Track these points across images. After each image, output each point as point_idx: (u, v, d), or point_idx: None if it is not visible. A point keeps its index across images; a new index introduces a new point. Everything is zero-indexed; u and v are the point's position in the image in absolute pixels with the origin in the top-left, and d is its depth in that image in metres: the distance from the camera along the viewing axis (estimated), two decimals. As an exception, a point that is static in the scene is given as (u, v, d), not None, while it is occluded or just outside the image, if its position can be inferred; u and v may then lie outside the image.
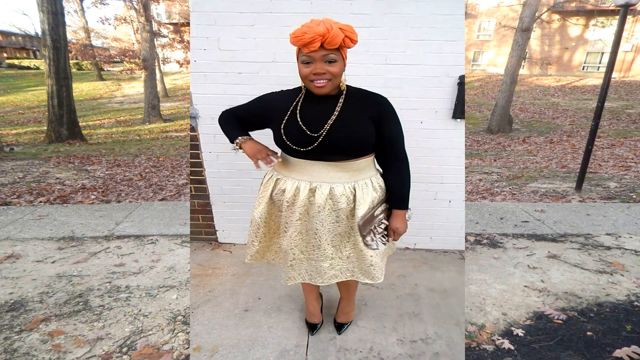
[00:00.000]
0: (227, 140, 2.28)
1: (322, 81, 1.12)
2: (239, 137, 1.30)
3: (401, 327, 1.78)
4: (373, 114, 1.21)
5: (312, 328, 1.74)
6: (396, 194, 1.31)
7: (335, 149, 1.20)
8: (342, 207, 1.26)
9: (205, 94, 2.15)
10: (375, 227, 1.31)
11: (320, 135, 1.17)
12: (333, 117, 1.18)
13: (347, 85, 1.24)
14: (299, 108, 1.23)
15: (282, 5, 1.92)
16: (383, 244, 1.34)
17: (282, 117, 1.23)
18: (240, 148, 1.29)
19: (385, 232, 1.35)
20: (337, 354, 1.61)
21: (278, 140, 1.25)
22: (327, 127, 1.17)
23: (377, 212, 1.30)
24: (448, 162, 2.27)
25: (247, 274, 2.24)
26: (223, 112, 1.40)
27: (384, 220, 1.33)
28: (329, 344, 1.67)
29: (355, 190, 1.26)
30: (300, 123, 1.20)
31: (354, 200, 1.27)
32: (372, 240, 1.31)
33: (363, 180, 1.28)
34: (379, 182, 1.32)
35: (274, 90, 1.34)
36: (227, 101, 2.16)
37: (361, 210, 1.26)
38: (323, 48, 1.07)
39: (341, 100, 1.21)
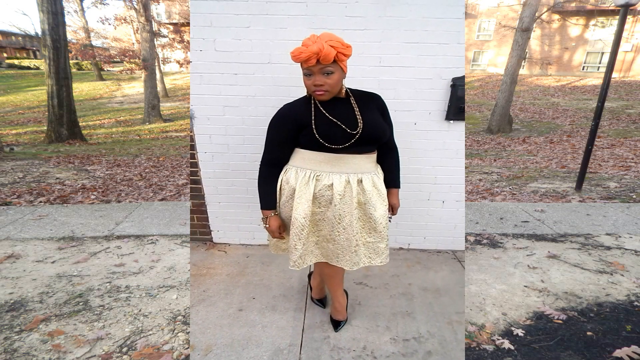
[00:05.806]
0: (222, 141, 2.33)
1: (320, 91, 1.26)
2: (271, 212, 1.45)
3: (394, 326, 1.78)
4: (379, 109, 1.40)
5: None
6: (394, 174, 1.56)
7: (369, 141, 1.35)
8: (383, 193, 1.45)
9: (201, 94, 2.15)
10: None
11: (357, 132, 1.31)
12: (359, 115, 1.33)
13: (347, 88, 1.38)
14: (326, 111, 1.33)
15: (277, 7, 1.92)
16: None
17: (309, 122, 1.31)
18: (267, 222, 1.46)
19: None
20: (331, 353, 1.62)
21: (314, 141, 1.31)
22: (360, 123, 1.32)
23: None
24: (441, 163, 2.28)
25: (241, 274, 2.24)
26: (263, 169, 1.44)
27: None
28: (322, 343, 1.67)
29: (380, 177, 1.48)
30: (338, 122, 1.31)
31: (379, 185, 1.47)
32: (390, 218, 1.59)
33: (379, 168, 1.50)
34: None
35: (278, 110, 1.37)
36: (223, 102, 2.16)
37: (385, 194, 1.50)
38: (319, 63, 1.20)
39: (352, 101, 1.36)
